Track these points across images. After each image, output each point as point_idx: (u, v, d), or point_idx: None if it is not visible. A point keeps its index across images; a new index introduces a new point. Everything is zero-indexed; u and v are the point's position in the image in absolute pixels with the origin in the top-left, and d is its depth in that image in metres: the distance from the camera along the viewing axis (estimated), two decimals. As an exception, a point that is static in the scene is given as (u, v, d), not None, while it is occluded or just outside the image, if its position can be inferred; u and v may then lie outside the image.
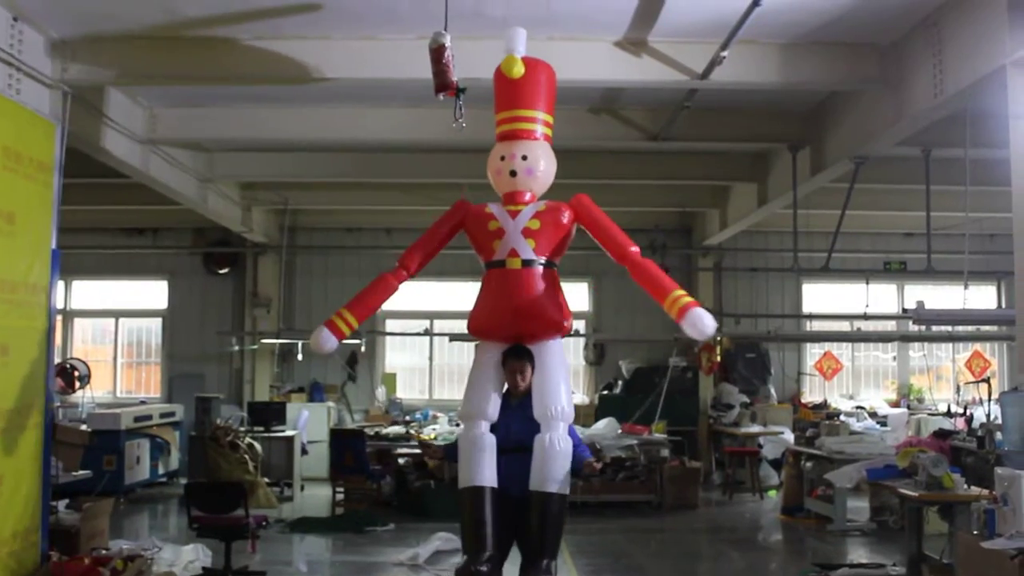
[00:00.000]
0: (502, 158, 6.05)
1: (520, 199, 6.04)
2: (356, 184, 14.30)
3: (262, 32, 8.33)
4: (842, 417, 14.41)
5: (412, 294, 16.56)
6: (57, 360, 10.69)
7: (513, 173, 6.00)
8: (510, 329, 5.98)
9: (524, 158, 6.01)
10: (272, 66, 8.50)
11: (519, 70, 5.96)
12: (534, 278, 5.91)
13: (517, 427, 5.91)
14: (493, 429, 5.95)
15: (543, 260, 5.95)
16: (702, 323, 5.59)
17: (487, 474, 5.80)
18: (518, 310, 5.89)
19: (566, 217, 6.05)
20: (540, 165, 6.08)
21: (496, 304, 6.01)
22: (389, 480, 12.73)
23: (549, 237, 5.98)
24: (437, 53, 5.47)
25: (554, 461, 5.74)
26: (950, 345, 16.73)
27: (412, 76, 7.93)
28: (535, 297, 5.90)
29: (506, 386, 6.06)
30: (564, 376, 6.06)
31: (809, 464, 11.89)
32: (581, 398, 16.38)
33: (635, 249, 6.01)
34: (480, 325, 6.11)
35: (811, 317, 16.70)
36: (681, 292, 5.78)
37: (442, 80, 5.50)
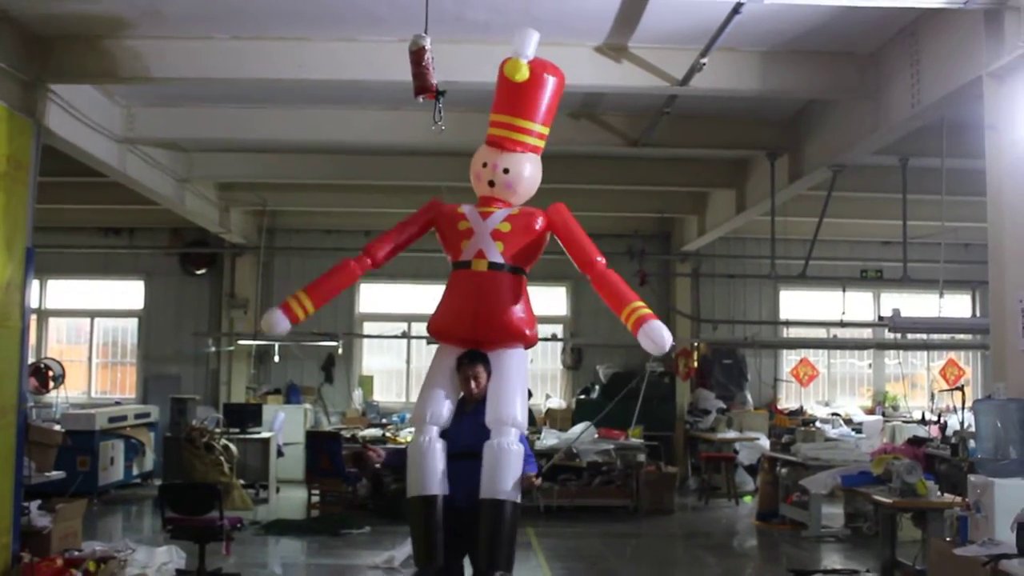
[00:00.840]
0: (484, 165, 5.86)
1: (493, 204, 5.86)
2: (335, 186, 14.28)
3: (241, 32, 8.31)
4: (817, 424, 14.49)
5: (389, 297, 16.60)
6: (31, 360, 10.61)
7: (491, 184, 5.83)
8: (470, 333, 5.75)
9: (506, 171, 5.81)
10: (251, 66, 8.48)
11: (523, 75, 5.71)
12: (499, 282, 5.69)
13: (468, 433, 5.65)
14: (443, 435, 5.69)
15: (510, 265, 5.72)
16: (660, 337, 5.35)
17: (437, 481, 5.56)
18: (479, 314, 5.68)
19: (539, 224, 5.82)
20: (522, 180, 5.86)
21: (459, 306, 5.78)
22: (365, 483, 12.69)
23: (519, 242, 5.75)
24: (417, 56, 5.44)
25: (505, 467, 5.48)
26: (925, 353, 16.84)
27: (392, 78, 7.93)
28: (499, 302, 5.69)
29: (462, 392, 5.81)
30: (521, 387, 5.80)
31: (784, 470, 11.94)
32: (558, 402, 16.40)
33: (601, 259, 5.77)
34: (440, 327, 5.89)
35: (788, 324, 16.78)
36: (640, 303, 5.53)
37: (422, 83, 5.47)
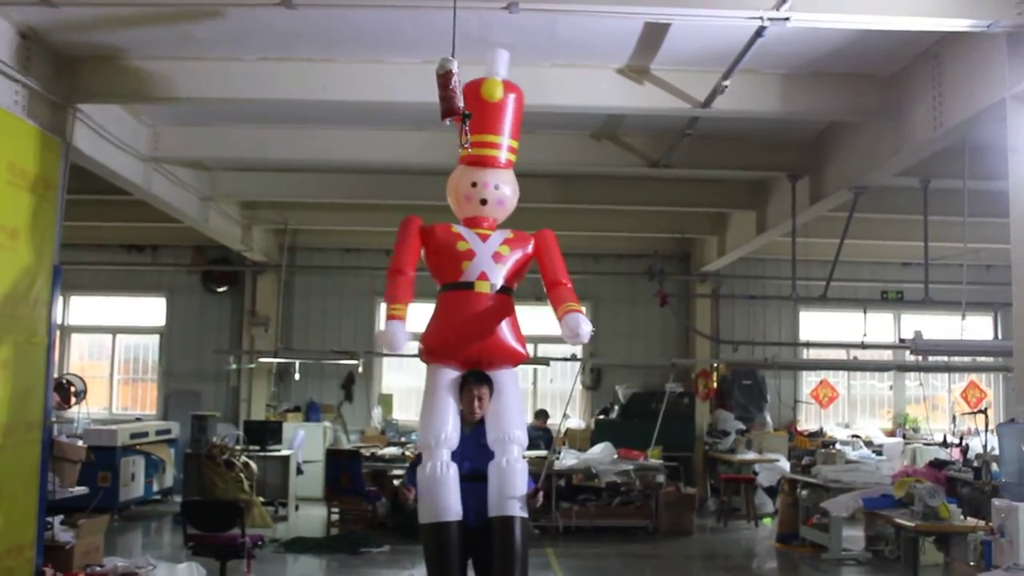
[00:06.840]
0: (473, 184, 5.99)
1: (482, 224, 6.00)
2: (357, 205, 14.33)
3: (267, 53, 8.41)
4: (838, 445, 14.44)
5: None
6: (54, 375, 10.69)
7: (484, 202, 5.97)
8: (474, 355, 5.85)
9: (497, 187, 5.99)
10: (277, 87, 8.56)
11: (500, 94, 5.97)
12: (501, 305, 5.85)
13: (471, 455, 5.71)
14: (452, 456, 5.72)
15: (507, 287, 5.92)
16: (578, 326, 5.69)
17: (452, 506, 5.58)
18: (484, 337, 5.79)
19: (531, 248, 6.03)
20: (508, 194, 6.07)
21: (462, 328, 5.85)
22: (384, 501, 12.71)
23: (515, 265, 5.95)
24: (444, 79, 5.48)
25: (512, 485, 5.57)
26: (946, 375, 16.76)
27: (417, 99, 8.00)
28: (501, 325, 5.83)
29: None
30: (519, 405, 5.99)
31: (804, 492, 11.89)
32: (577, 423, 16.39)
33: (568, 283, 6.02)
34: (442, 347, 5.92)
35: (808, 345, 16.73)
36: (575, 304, 5.88)
37: (449, 105, 5.50)
